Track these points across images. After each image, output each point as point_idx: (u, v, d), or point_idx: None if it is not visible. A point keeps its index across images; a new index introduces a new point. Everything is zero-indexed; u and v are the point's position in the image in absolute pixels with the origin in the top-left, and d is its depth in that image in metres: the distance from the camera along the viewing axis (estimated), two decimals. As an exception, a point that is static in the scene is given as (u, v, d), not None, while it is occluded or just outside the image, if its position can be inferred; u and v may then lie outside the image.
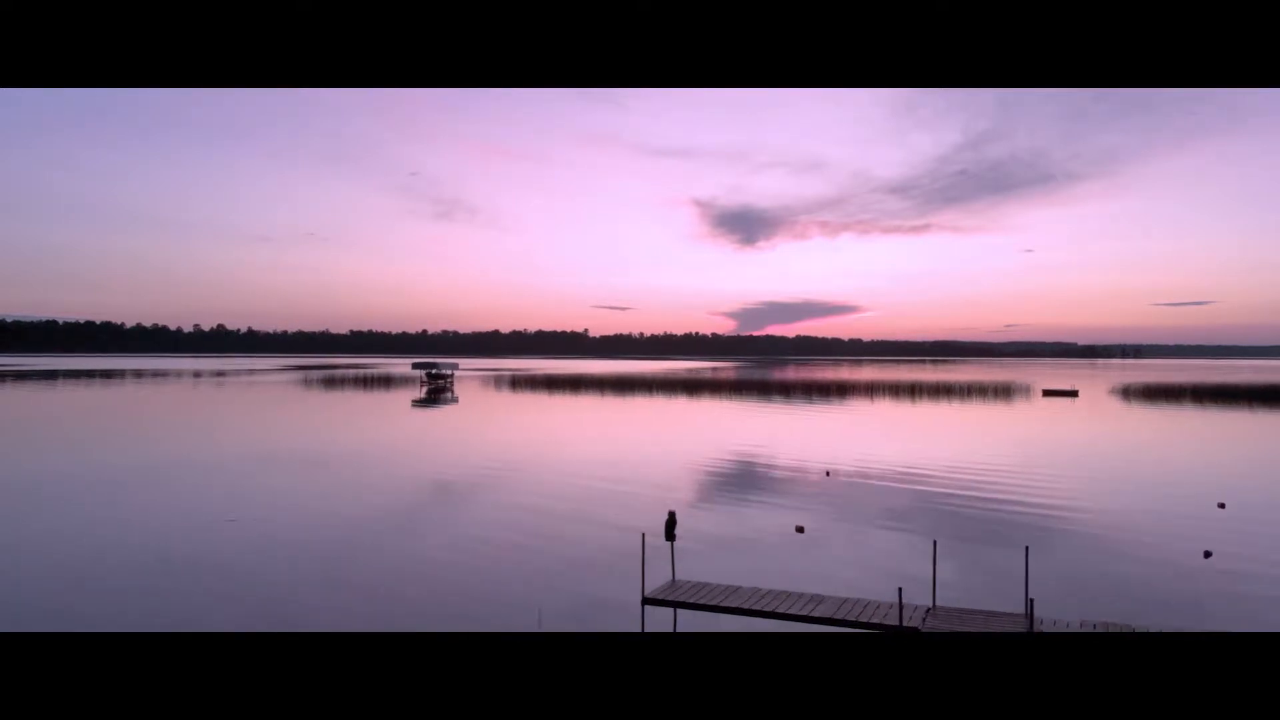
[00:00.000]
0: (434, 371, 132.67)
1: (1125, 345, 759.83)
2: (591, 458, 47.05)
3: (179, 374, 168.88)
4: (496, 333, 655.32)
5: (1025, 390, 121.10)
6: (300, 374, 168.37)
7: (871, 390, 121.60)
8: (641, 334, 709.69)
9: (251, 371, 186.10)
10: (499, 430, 63.23)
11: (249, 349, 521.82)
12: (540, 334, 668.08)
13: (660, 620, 19.09)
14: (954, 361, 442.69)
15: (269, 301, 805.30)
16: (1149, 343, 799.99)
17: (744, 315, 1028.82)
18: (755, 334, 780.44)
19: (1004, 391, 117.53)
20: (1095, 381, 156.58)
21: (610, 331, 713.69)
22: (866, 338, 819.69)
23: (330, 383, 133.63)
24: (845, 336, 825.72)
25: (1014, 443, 55.68)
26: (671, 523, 21.30)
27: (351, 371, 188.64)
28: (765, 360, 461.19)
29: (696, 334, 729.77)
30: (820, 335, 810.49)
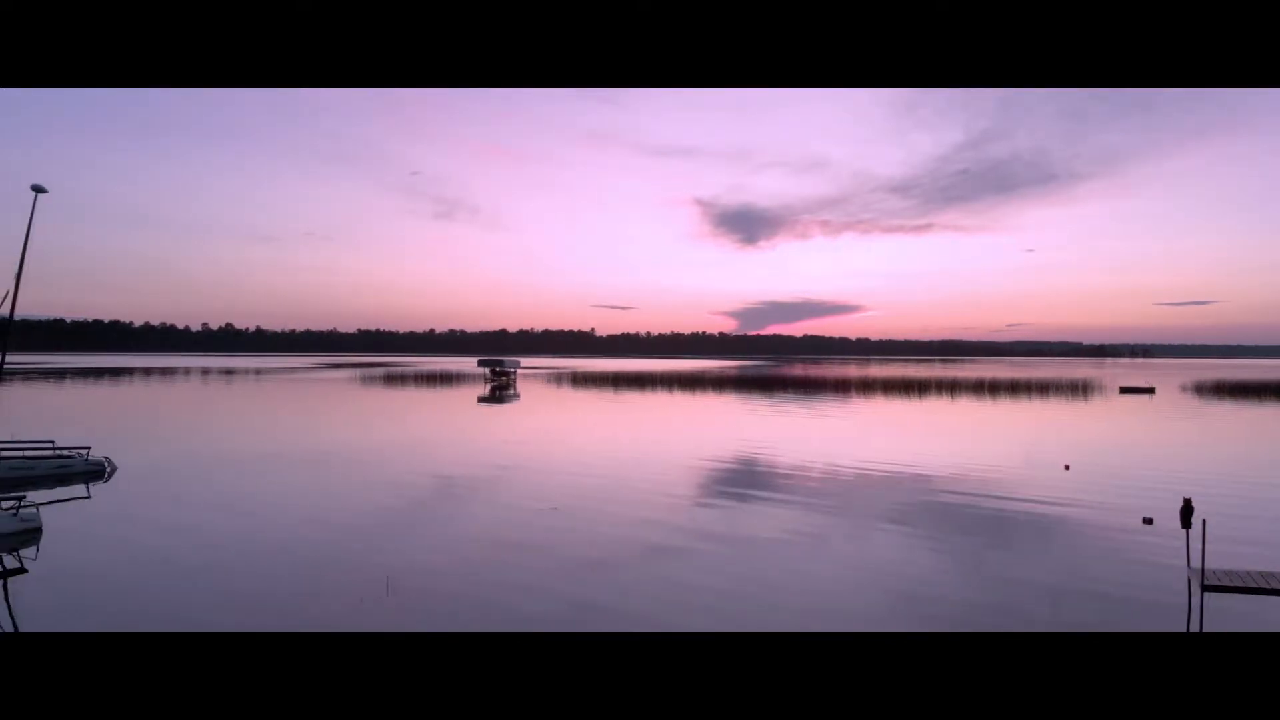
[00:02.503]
0: (499, 369, 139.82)
1: (1134, 345, 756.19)
2: (791, 453, 44.28)
3: (239, 371, 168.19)
4: (504, 331, 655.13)
5: (1101, 387, 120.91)
6: (350, 372, 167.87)
7: (951, 388, 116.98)
8: (648, 333, 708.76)
9: (294, 369, 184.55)
10: (631, 425, 60.95)
11: (258, 348, 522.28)
12: (547, 333, 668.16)
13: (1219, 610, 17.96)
14: (969, 360, 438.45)
15: (274, 301, 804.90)
16: (1152, 342, 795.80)
17: (746, 315, 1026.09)
18: (758, 333, 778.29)
19: (1084, 388, 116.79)
20: (1149, 379, 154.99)
21: (613, 331, 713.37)
22: (872, 337, 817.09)
23: (390, 380, 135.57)
24: (851, 336, 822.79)
25: (1197, 443, 51.91)
26: (1188, 510, 20.99)
27: (399, 369, 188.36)
28: (781, 359, 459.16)
29: (704, 333, 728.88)
30: (823, 334, 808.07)
